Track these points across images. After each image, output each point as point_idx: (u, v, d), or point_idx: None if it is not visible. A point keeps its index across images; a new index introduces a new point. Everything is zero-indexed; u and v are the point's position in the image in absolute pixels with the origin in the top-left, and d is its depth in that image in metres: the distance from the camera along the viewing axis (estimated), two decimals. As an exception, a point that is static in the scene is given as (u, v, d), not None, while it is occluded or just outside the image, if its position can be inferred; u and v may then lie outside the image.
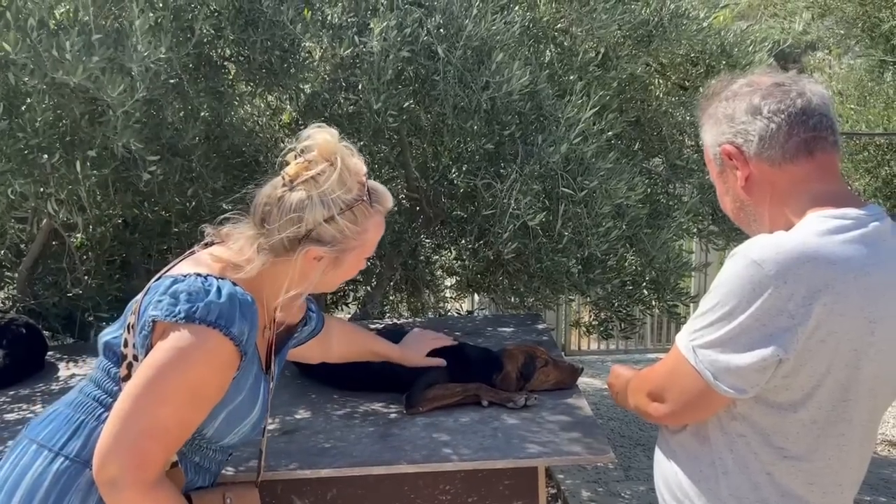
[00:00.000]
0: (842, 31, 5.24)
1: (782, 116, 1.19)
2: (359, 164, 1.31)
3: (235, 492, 1.37)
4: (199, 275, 1.22)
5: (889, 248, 1.15)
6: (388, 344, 1.89)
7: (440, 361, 1.91)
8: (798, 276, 1.08)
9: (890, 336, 1.14)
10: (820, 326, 1.09)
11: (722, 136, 1.25)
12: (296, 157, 1.28)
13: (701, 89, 3.19)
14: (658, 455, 1.38)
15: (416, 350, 1.88)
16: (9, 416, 1.99)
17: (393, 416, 1.89)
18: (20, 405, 2.06)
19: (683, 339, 1.21)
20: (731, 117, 1.23)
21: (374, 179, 2.79)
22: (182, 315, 1.16)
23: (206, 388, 1.19)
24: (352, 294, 3.72)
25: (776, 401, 1.16)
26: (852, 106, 5.23)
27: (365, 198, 1.28)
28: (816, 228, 1.13)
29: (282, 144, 3.29)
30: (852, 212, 1.15)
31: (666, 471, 1.33)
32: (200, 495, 1.29)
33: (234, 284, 1.22)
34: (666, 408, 1.26)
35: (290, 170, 1.27)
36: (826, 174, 1.20)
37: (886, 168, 5.13)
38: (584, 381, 2.17)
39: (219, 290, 1.19)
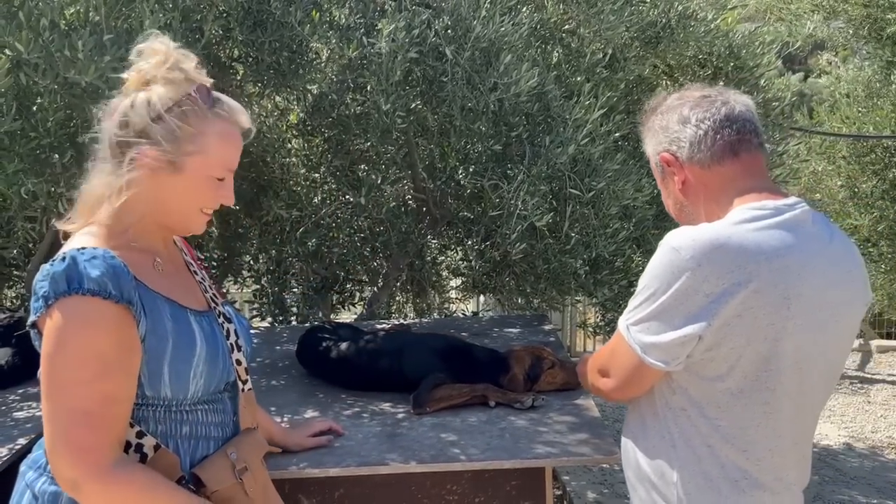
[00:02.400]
0: (849, 33, 5.22)
1: (708, 123, 1.32)
2: (196, 71, 1.24)
3: (236, 443, 1.31)
4: (52, 261, 1.17)
5: (807, 232, 1.27)
6: (277, 424, 1.73)
7: (325, 440, 1.74)
8: (711, 261, 1.20)
9: (807, 311, 1.24)
10: (735, 304, 1.20)
11: (659, 146, 1.39)
12: (132, 71, 1.23)
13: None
14: (622, 441, 1.46)
15: (300, 433, 1.73)
16: (18, 415, 2.00)
17: (400, 415, 1.89)
18: (30, 403, 2.08)
19: (621, 320, 1.33)
20: (665, 128, 1.38)
21: (381, 180, 2.84)
22: (41, 304, 1.13)
23: (103, 353, 1.12)
24: (357, 294, 3.73)
25: (705, 373, 1.26)
26: (859, 108, 5.21)
27: (193, 94, 1.21)
28: (733, 219, 1.26)
29: (289, 145, 3.32)
30: (770, 202, 1.27)
31: (628, 453, 1.42)
32: (203, 465, 1.24)
33: (82, 248, 1.16)
34: (611, 382, 1.38)
35: (127, 83, 1.23)
36: (751, 172, 1.33)
37: (894, 170, 5.11)
38: (590, 382, 2.17)
39: (62, 259, 1.14)
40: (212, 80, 1.26)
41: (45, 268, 1.16)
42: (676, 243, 1.23)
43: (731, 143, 1.32)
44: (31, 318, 1.16)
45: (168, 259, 1.31)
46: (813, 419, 1.35)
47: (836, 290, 1.27)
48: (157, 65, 1.21)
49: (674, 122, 1.36)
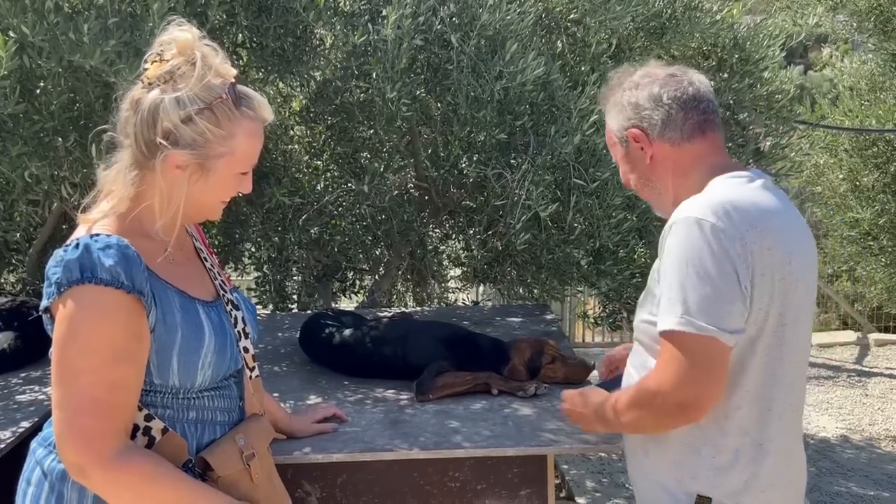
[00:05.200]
0: (854, 25, 5.20)
1: (679, 103, 1.38)
2: (225, 65, 1.21)
3: (244, 428, 1.31)
4: (66, 247, 1.16)
5: (778, 195, 1.35)
6: (282, 410, 1.71)
7: (330, 427, 1.72)
8: (732, 221, 1.23)
9: (801, 266, 1.30)
10: (758, 263, 1.24)
11: (627, 122, 1.42)
12: (154, 58, 1.19)
13: (712, 83, 3.18)
14: (639, 440, 1.43)
15: (305, 419, 1.70)
16: (21, 398, 2.00)
17: (403, 402, 1.89)
18: (32, 387, 2.08)
19: (673, 322, 1.24)
20: (635, 105, 1.40)
21: (384, 168, 2.84)
22: (53, 290, 1.13)
23: (113, 342, 1.12)
24: (358, 283, 3.73)
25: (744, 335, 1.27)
26: (862, 101, 5.20)
27: (225, 95, 1.18)
28: (729, 184, 1.32)
29: (292, 132, 3.31)
30: (744, 173, 1.36)
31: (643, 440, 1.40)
32: (212, 450, 1.24)
33: (96, 235, 1.16)
34: (694, 392, 1.24)
35: (148, 72, 1.19)
36: (717, 149, 1.40)
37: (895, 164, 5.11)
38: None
39: (76, 247, 1.14)
40: (236, 72, 1.23)
41: (59, 254, 1.16)
42: (697, 214, 1.24)
43: (700, 123, 1.38)
44: (44, 304, 1.17)
45: (179, 247, 1.31)
46: (806, 368, 1.42)
47: (808, 246, 1.35)
48: (185, 60, 1.18)
49: (644, 100, 1.39)
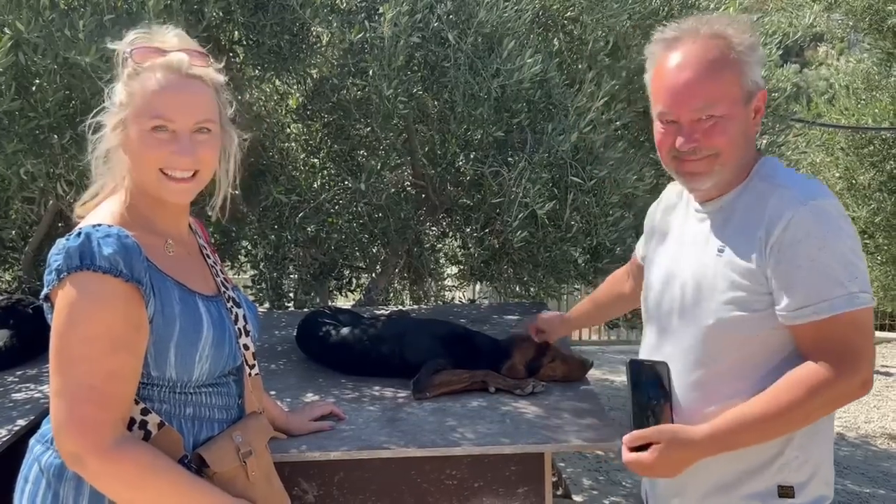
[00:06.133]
0: (849, 24, 5.22)
1: None
2: (158, 38, 1.25)
3: (242, 426, 1.31)
4: (68, 236, 1.18)
5: None
6: (279, 408, 1.71)
7: (327, 425, 1.73)
8: (838, 200, 1.30)
9: None
10: None
11: (761, 80, 1.33)
12: None
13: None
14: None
15: (302, 417, 1.71)
16: (17, 396, 2.00)
17: (401, 400, 1.89)
18: (28, 385, 2.07)
19: (852, 302, 1.22)
20: (760, 62, 1.32)
21: (381, 166, 2.83)
22: (54, 277, 1.15)
23: (111, 330, 1.13)
24: (355, 281, 3.73)
25: None
26: (858, 100, 5.22)
27: (126, 53, 1.22)
28: (791, 170, 1.39)
29: (288, 129, 3.31)
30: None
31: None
32: (209, 446, 1.24)
33: (98, 224, 1.18)
34: (872, 364, 1.26)
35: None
36: None
37: (892, 162, 5.14)
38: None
39: (77, 235, 1.16)
40: (176, 49, 1.24)
41: (61, 242, 1.17)
42: (821, 194, 1.26)
43: None
44: (44, 291, 1.18)
45: (180, 242, 1.32)
46: None
47: None
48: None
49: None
